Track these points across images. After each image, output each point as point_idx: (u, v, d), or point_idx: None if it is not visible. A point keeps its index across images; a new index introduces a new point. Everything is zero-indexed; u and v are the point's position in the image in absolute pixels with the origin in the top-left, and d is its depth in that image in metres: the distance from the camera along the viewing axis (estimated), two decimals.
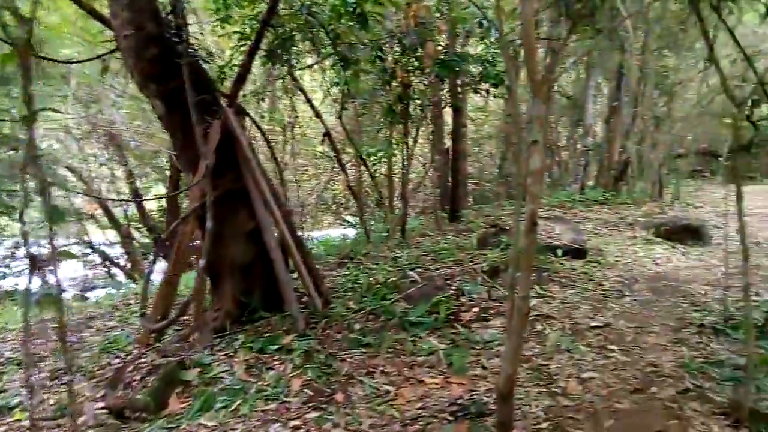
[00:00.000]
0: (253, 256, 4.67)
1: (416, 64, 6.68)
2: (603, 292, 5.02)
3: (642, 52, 9.64)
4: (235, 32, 5.67)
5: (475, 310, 4.55)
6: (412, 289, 4.82)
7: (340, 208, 15.99)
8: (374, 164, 8.65)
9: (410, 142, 7.64)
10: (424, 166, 12.73)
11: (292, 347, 4.00)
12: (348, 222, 15.03)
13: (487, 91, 7.65)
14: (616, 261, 6.14)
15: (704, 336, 3.96)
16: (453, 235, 7.54)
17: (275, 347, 4.05)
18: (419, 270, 5.68)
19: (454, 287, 5.00)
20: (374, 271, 5.75)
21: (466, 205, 9.88)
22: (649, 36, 9.59)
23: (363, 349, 4.01)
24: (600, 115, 10.24)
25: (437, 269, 5.66)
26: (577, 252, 6.08)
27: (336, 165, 8.16)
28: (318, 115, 7.29)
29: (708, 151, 14.05)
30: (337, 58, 5.75)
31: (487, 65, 7.17)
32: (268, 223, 4.51)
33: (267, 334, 4.30)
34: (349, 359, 3.88)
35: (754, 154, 14.46)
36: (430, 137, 9.99)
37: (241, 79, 4.94)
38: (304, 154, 12.73)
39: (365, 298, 4.81)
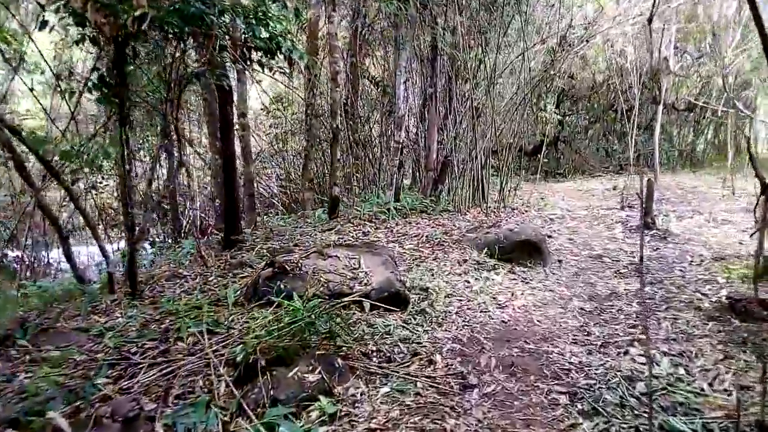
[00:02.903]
0: None
1: (128, 6, 4.03)
2: (436, 386, 2.97)
3: (452, 32, 8.13)
4: None
5: None
6: None
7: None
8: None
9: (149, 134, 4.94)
10: (209, 168, 9.93)
11: None
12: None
13: (260, 63, 5.28)
14: (448, 308, 4.22)
15: None
16: (219, 276, 5.03)
17: None
18: (118, 370, 3.08)
19: (164, 420, 2.52)
20: (28, 379, 3.00)
21: (254, 220, 7.39)
22: (460, 13, 8.13)
23: None
24: (415, 104, 8.60)
25: (153, 363, 3.12)
26: (395, 299, 4.03)
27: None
28: None
29: (519, 147, 13.52)
30: None
31: (254, 23, 4.80)
32: None
33: None
34: None
35: (561, 150, 14.40)
36: (206, 130, 7.36)
37: None
38: None
39: None
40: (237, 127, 7.26)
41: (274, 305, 3.73)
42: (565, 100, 14.32)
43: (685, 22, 10.44)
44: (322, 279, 4.04)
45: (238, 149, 7.37)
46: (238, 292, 4.37)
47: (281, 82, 9.82)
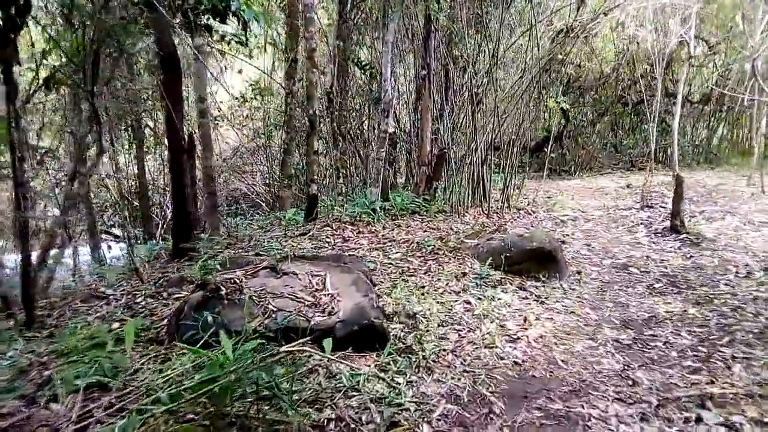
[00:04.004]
0: None
1: None
2: None
3: (451, 5, 7.08)
4: None
5: None
6: None
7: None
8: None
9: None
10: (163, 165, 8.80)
11: None
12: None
13: (208, 28, 4.22)
14: (441, 344, 3.15)
15: None
16: (150, 296, 3.96)
17: None
18: None
19: None
20: None
21: (216, 224, 6.30)
22: None
23: None
24: (407, 90, 7.54)
25: None
26: (368, 334, 2.96)
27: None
28: None
29: (523, 145, 12.42)
30: None
31: None
32: None
33: None
34: None
35: (566, 146, 13.36)
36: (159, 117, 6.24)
37: None
38: None
39: None
40: (195, 113, 6.20)
41: (198, 346, 2.67)
42: (570, 92, 13.24)
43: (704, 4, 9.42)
44: (270, 306, 2.97)
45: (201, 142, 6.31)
46: (165, 321, 3.31)
47: (255, 66, 8.73)
